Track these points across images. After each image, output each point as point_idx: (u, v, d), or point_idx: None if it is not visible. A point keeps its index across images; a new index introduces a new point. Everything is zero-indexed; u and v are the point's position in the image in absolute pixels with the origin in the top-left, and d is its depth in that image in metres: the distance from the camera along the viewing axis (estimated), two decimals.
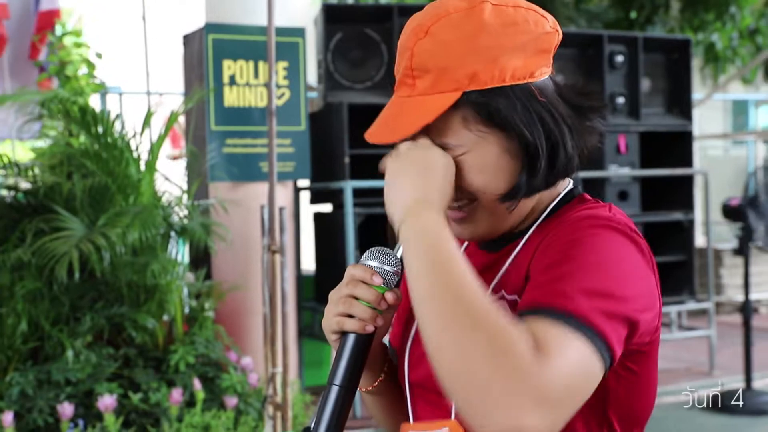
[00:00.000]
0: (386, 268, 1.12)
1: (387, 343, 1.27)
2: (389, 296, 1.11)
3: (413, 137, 1.09)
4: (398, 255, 1.13)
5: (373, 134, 1.11)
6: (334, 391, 1.09)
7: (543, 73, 1.10)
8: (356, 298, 1.11)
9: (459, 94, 1.06)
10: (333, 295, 1.14)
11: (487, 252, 1.19)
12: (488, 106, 1.06)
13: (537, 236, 1.12)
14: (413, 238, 1.01)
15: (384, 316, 1.12)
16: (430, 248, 0.99)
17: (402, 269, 1.13)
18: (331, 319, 1.12)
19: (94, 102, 5.32)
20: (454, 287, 0.94)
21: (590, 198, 1.17)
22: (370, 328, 1.10)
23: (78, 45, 5.21)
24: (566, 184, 1.17)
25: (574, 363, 0.91)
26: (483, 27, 1.06)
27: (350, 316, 1.10)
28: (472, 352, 0.88)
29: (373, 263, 1.12)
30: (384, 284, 1.11)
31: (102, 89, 5.32)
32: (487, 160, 1.09)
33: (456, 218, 1.13)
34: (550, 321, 0.93)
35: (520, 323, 0.92)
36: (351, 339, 1.11)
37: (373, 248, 1.15)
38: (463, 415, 0.90)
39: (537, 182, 1.10)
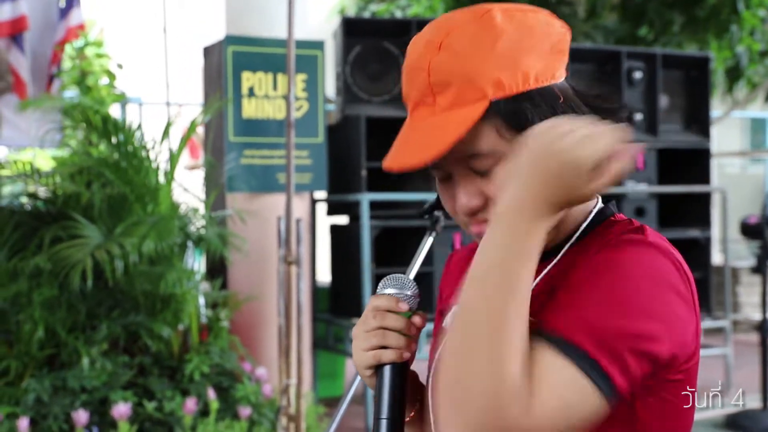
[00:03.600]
0: (407, 293, 1.12)
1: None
2: (416, 320, 1.10)
3: (446, 155, 1.02)
4: (411, 278, 1.14)
5: (395, 160, 1.05)
6: (385, 425, 1.07)
7: (561, 75, 1.07)
8: (386, 329, 1.09)
9: (486, 103, 1.01)
10: (358, 330, 1.12)
11: None
12: (517, 112, 1.02)
13: (567, 259, 1.08)
14: (503, 231, 0.96)
15: (414, 341, 1.11)
16: (510, 247, 0.95)
17: (420, 292, 1.13)
18: (364, 355, 1.10)
19: (114, 112, 5.37)
20: (508, 287, 0.93)
21: (624, 218, 1.11)
22: (407, 355, 1.10)
23: (99, 56, 5.27)
24: (595, 202, 1.12)
25: (563, 399, 0.90)
26: (499, 33, 1.02)
27: (384, 347, 1.09)
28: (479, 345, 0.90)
29: (393, 290, 1.12)
30: (408, 310, 1.11)
31: (122, 99, 5.38)
32: None
33: (483, 232, 1.02)
34: (552, 350, 0.93)
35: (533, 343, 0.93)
36: (389, 370, 1.09)
37: (387, 276, 1.14)
38: (443, 391, 0.92)
39: None
